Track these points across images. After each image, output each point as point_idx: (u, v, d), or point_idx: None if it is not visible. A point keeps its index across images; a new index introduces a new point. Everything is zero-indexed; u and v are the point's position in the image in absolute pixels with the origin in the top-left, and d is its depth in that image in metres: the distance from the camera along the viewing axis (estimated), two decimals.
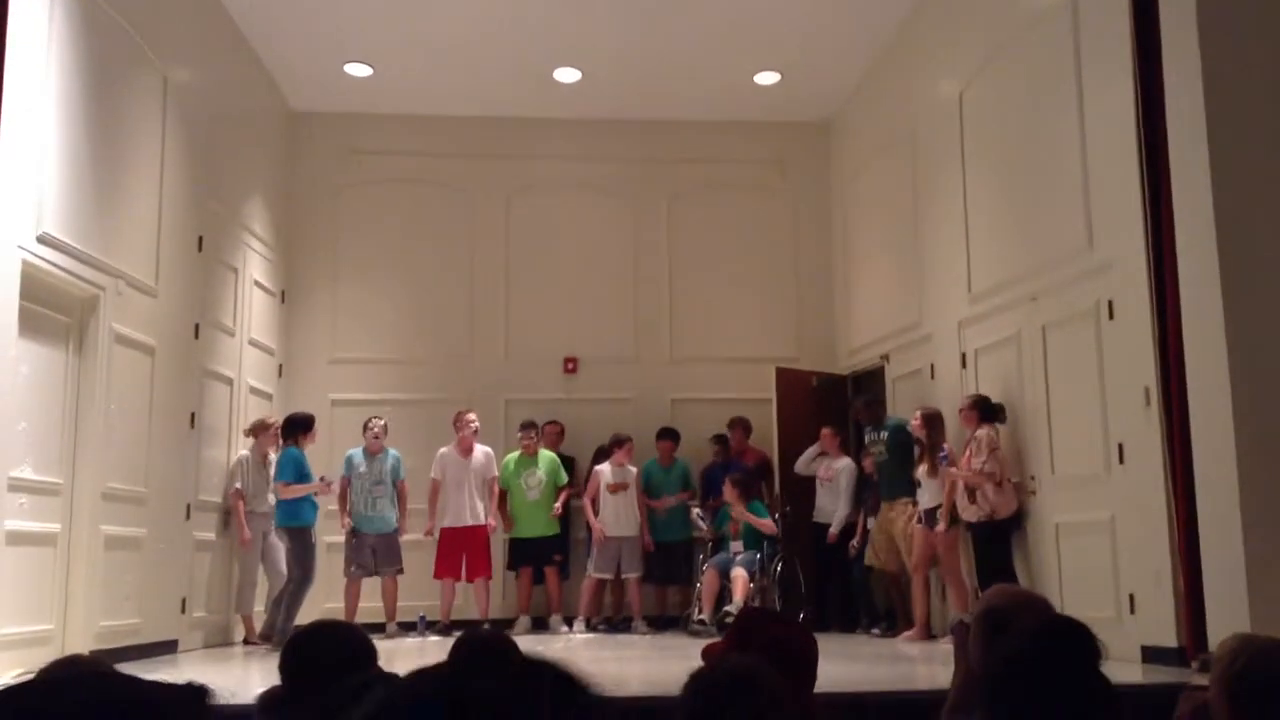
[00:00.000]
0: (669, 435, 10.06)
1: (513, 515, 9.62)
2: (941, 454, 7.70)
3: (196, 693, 0.93)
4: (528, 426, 9.71)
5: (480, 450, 9.52)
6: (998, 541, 7.35)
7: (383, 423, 9.24)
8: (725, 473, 9.50)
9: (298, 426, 8.62)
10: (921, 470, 7.98)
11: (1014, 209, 7.68)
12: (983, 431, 7.43)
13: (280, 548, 8.66)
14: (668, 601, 9.92)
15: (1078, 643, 2.00)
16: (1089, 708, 1.90)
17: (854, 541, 8.99)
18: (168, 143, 7.79)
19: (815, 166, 11.30)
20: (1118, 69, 6.36)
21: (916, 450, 8.13)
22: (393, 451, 9.29)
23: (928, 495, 7.94)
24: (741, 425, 10.13)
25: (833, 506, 9.28)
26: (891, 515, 8.48)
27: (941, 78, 8.74)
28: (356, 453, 9.25)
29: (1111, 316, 6.53)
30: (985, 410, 7.56)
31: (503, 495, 9.60)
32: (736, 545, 8.92)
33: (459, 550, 9.32)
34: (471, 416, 9.52)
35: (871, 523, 8.79)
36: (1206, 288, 5.31)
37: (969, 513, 7.44)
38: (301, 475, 8.38)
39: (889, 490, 8.57)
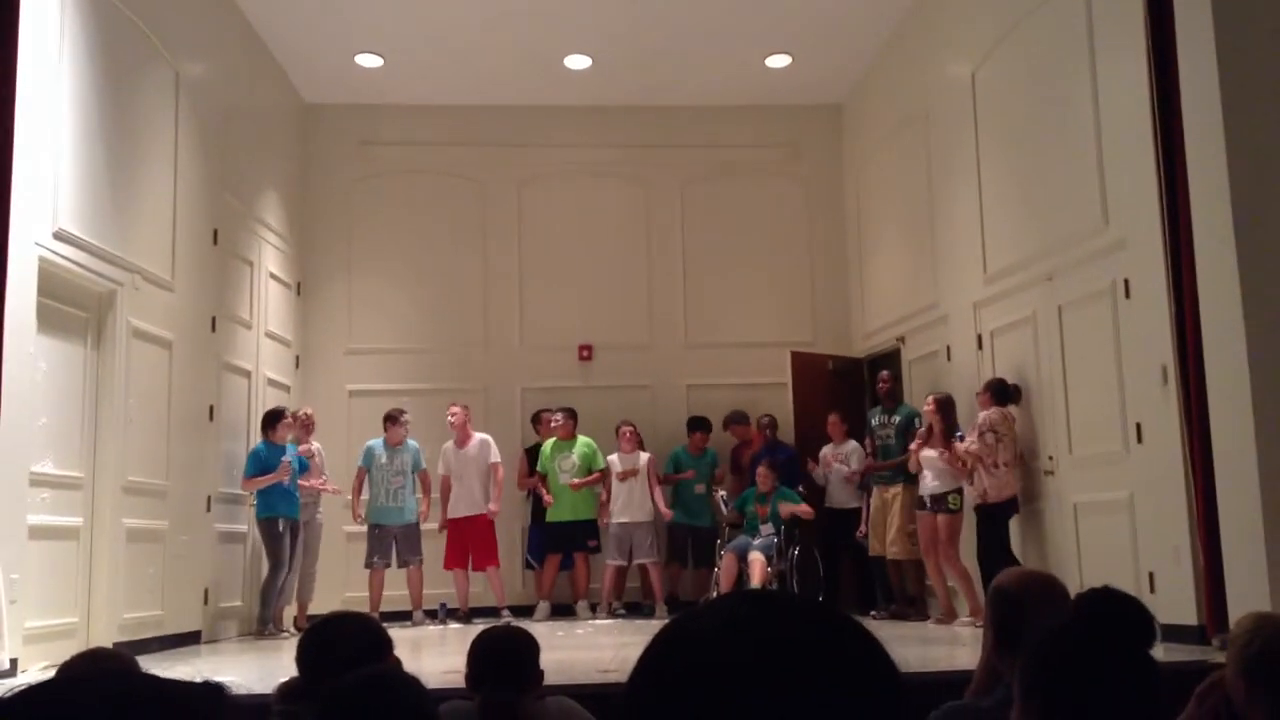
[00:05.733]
0: (700, 425, 10.04)
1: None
2: (959, 434, 7.72)
3: (213, 690, 0.95)
4: (559, 411, 9.75)
5: (477, 438, 9.53)
6: (994, 524, 7.36)
7: (408, 416, 9.30)
8: (773, 456, 9.50)
9: (266, 421, 8.61)
10: (928, 454, 7.95)
11: (1028, 189, 7.64)
12: (983, 414, 7.43)
13: (314, 535, 8.82)
14: (685, 585, 9.92)
15: (1129, 622, 1.84)
16: (1136, 698, 1.70)
17: (862, 527, 9.00)
18: (181, 137, 7.83)
19: (828, 149, 11.26)
20: (1131, 45, 6.31)
21: (922, 435, 8.13)
22: (412, 443, 9.35)
23: (933, 480, 7.93)
24: (736, 421, 10.17)
25: (844, 492, 9.28)
26: (886, 498, 8.54)
27: (954, 58, 8.69)
28: (377, 444, 9.29)
29: (1128, 295, 6.49)
30: (999, 393, 7.54)
31: (544, 479, 9.67)
32: (767, 528, 8.92)
33: (464, 540, 9.36)
34: (454, 408, 9.52)
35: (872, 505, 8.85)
36: (1223, 264, 5.28)
37: (969, 494, 7.47)
38: (262, 470, 8.37)
39: (891, 475, 8.61)
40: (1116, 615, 1.85)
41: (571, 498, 9.62)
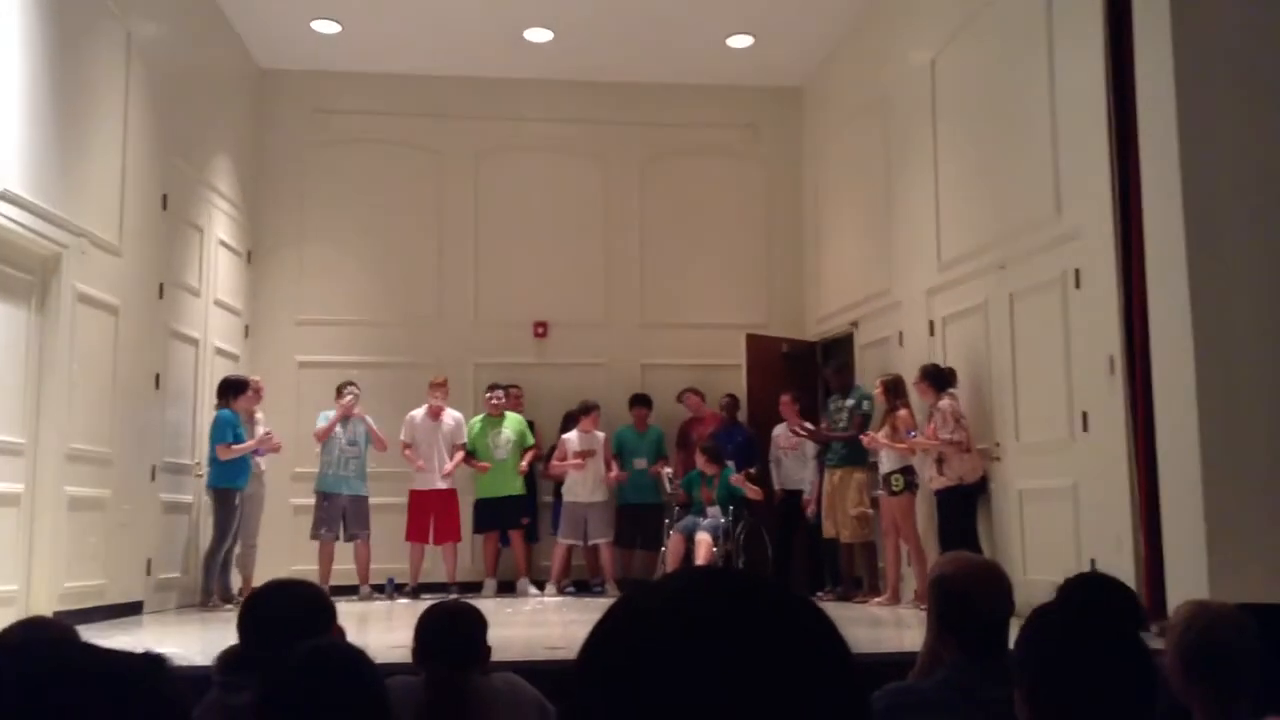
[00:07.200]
0: (642, 402, 10.05)
1: (478, 476, 9.59)
2: (910, 433, 7.76)
3: (154, 661, 0.93)
4: (495, 388, 9.70)
5: (450, 415, 9.52)
6: (964, 508, 7.42)
7: (357, 390, 9.20)
8: (729, 438, 9.50)
9: (229, 389, 8.52)
10: (881, 435, 8.02)
11: (984, 177, 7.70)
12: (945, 403, 7.48)
13: (256, 506, 8.70)
14: (634, 566, 9.92)
15: (1120, 605, 1.84)
16: (1131, 677, 1.72)
17: (810, 507, 9.04)
18: (131, 99, 7.67)
19: (788, 132, 11.27)
20: (1089, 36, 6.36)
21: (878, 416, 8.18)
22: (367, 417, 9.30)
23: (887, 461, 8.00)
24: (693, 392, 10.17)
25: (799, 473, 9.31)
26: (836, 480, 8.56)
27: (915, 44, 8.72)
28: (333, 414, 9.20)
29: (1078, 285, 6.57)
30: (936, 379, 7.61)
31: (469, 456, 9.58)
32: (713, 511, 8.92)
33: (428, 513, 9.33)
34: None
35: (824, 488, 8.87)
36: (1172, 256, 5.35)
37: (937, 481, 7.50)
38: (236, 438, 8.32)
39: (843, 458, 8.62)
40: (1103, 599, 1.87)
41: (501, 474, 9.55)
